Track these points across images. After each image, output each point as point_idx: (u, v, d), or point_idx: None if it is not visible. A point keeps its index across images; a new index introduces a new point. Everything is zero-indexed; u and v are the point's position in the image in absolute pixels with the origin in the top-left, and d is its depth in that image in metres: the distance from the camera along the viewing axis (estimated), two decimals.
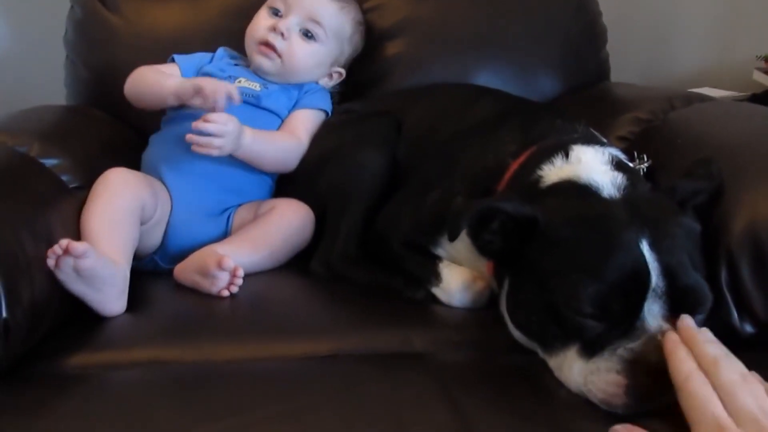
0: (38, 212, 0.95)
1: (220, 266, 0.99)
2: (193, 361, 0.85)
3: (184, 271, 1.05)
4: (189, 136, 1.10)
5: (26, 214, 0.92)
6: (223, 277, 1.00)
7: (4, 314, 0.79)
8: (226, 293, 1.00)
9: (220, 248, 1.05)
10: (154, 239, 1.14)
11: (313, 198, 1.16)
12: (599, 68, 1.51)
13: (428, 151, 1.12)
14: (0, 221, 0.86)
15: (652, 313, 0.75)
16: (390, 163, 1.15)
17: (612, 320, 0.75)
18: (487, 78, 1.40)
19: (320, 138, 1.24)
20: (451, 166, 1.04)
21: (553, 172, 0.89)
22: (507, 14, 1.45)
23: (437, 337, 0.89)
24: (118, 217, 1.04)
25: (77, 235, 1.01)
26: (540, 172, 0.89)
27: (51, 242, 0.91)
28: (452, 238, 0.83)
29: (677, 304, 0.75)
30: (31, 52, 1.68)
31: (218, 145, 1.10)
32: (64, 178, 1.07)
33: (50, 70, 1.54)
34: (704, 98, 1.20)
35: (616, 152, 0.94)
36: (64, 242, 0.89)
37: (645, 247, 0.75)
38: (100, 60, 1.42)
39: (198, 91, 1.13)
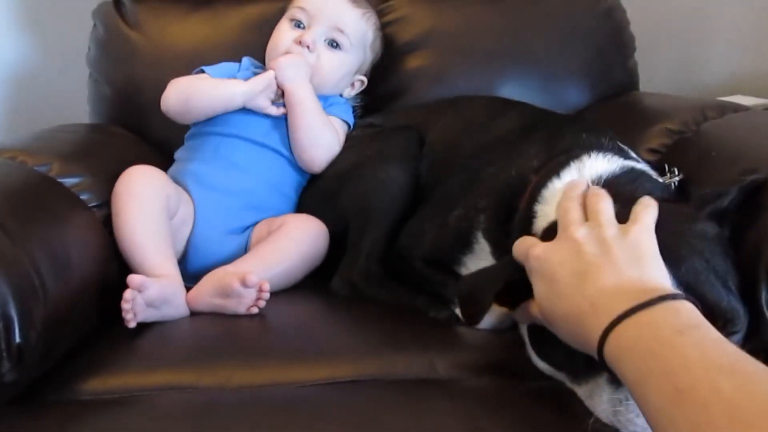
0: (55, 232, 0.94)
1: (244, 284, 0.96)
2: (210, 387, 0.82)
3: (199, 296, 1.02)
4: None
5: (42, 235, 0.91)
6: (249, 295, 0.98)
7: (18, 339, 0.78)
8: (255, 310, 0.98)
9: (232, 269, 1.03)
10: (177, 246, 1.12)
11: (333, 214, 1.14)
12: (627, 78, 1.46)
13: (451, 167, 1.09)
14: (14, 243, 0.84)
15: None
16: (412, 178, 1.12)
17: None
18: (511, 90, 1.37)
19: (341, 153, 1.21)
20: (475, 182, 1.00)
21: (552, 193, 0.85)
22: (532, 24, 1.42)
23: (461, 361, 0.85)
24: (154, 227, 1.04)
25: (96, 253, 1.00)
26: (543, 194, 0.86)
27: (67, 263, 0.91)
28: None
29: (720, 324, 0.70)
30: (56, 70, 1.69)
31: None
32: (84, 197, 1.06)
33: (74, 88, 1.55)
34: (738, 108, 1.16)
35: (639, 165, 0.90)
36: (133, 282, 0.92)
37: None
38: (122, 77, 1.42)
39: (270, 83, 1.18)
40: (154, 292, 0.95)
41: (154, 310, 0.96)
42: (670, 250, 0.71)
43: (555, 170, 0.87)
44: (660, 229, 0.73)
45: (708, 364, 0.54)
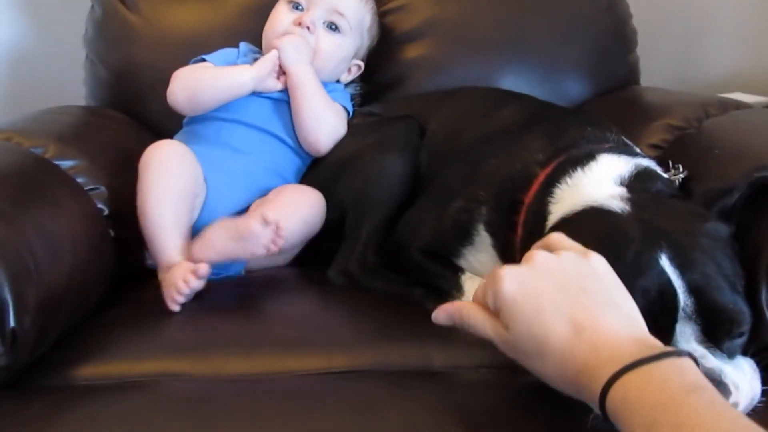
0: (49, 215, 0.93)
1: (265, 220, 0.95)
2: (203, 375, 0.82)
3: (209, 244, 0.98)
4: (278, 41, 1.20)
5: (37, 218, 0.90)
6: (266, 234, 0.96)
7: (12, 323, 0.77)
8: (273, 248, 0.96)
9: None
10: None
11: (332, 202, 1.13)
12: (629, 72, 1.46)
13: (451, 157, 1.08)
14: (8, 224, 0.83)
15: (684, 335, 0.70)
16: (412, 168, 1.12)
17: None
18: (512, 81, 1.36)
19: (341, 141, 1.20)
20: (475, 173, 1.00)
21: (570, 189, 0.85)
22: (533, 15, 1.41)
23: (458, 354, 0.84)
24: (182, 208, 1.05)
25: (92, 237, 1.00)
26: (558, 190, 0.85)
27: (62, 246, 0.90)
28: None
29: (711, 324, 0.70)
30: (52, 51, 1.67)
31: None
32: (80, 180, 1.05)
33: (70, 69, 1.53)
34: (740, 105, 1.15)
35: (647, 162, 0.89)
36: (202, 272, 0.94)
37: (666, 265, 0.70)
38: (119, 60, 1.41)
39: (275, 64, 1.18)
40: (202, 284, 0.96)
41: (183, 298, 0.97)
42: (684, 253, 0.71)
43: (568, 168, 0.87)
44: (674, 228, 0.73)
45: (722, 426, 0.54)
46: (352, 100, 1.34)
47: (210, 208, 1.12)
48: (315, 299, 1.04)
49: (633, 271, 0.70)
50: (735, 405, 0.69)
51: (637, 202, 0.78)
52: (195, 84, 1.18)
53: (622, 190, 0.81)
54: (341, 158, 1.16)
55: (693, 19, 1.81)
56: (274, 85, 1.20)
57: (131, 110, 1.37)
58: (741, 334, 0.72)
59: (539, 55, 1.39)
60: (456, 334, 0.90)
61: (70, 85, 1.52)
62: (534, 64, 1.39)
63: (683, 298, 0.69)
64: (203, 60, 1.24)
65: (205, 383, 0.81)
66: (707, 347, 0.70)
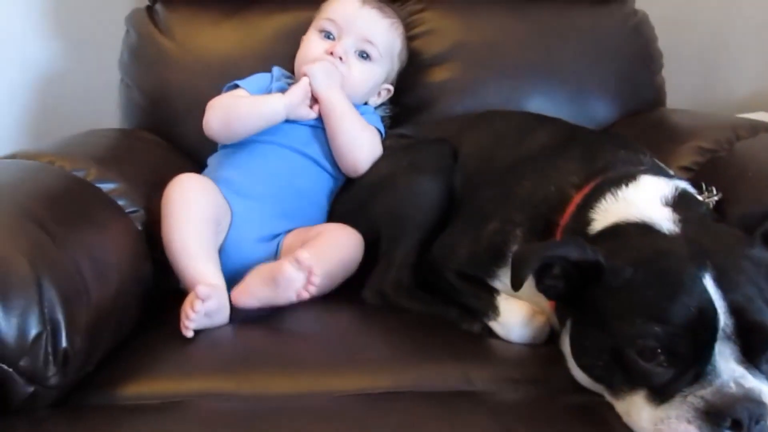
0: (96, 237, 0.96)
1: (297, 261, 0.96)
2: (246, 394, 0.84)
3: (246, 291, 1.01)
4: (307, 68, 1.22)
5: (84, 240, 0.92)
6: (300, 279, 0.97)
7: (64, 343, 0.79)
8: (306, 295, 0.98)
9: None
10: None
11: (366, 224, 1.14)
12: (655, 94, 1.47)
13: (485, 180, 1.10)
14: (60, 247, 0.86)
15: (723, 355, 0.71)
16: (446, 191, 1.13)
17: (680, 365, 0.72)
18: (539, 103, 1.37)
19: (374, 163, 1.22)
20: (510, 195, 1.01)
21: (612, 208, 0.87)
22: (560, 39, 1.43)
23: (496, 374, 0.86)
24: (206, 235, 1.07)
25: (134, 258, 1.02)
26: (599, 210, 0.87)
27: (108, 267, 0.92)
28: (517, 287, 0.81)
29: (750, 345, 0.71)
30: (86, 74, 1.70)
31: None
32: (120, 202, 1.08)
33: (104, 92, 1.56)
34: None
35: (684, 184, 0.91)
36: (201, 292, 0.95)
37: (709, 284, 0.72)
38: (154, 83, 1.44)
39: (307, 91, 1.20)
40: (214, 302, 0.97)
41: (207, 319, 0.98)
42: (728, 275, 0.73)
43: (609, 188, 0.89)
44: (719, 250, 0.75)
45: None
46: (381, 122, 1.36)
47: (236, 232, 1.15)
48: (352, 319, 1.05)
49: (676, 288, 0.72)
50: None
51: (685, 223, 0.80)
52: (229, 114, 1.21)
53: (669, 210, 0.83)
54: (375, 180, 1.18)
55: (716, 40, 1.81)
56: (307, 113, 1.22)
57: (165, 133, 1.40)
58: None
59: (566, 78, 1.40)
60: (494, 354, 0.93)
61: (103, 107, 1.55)
62: (561, 86, 1.40)
63: (724, 318, 0.71)
64: (236, 86, 1.26)
65: (248, 402, 0.83)
66: (746, 367, 0.71)
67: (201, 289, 0.96)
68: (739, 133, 1.11)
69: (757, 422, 0.68)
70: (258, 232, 1.16)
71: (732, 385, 0.70)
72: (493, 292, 0.98)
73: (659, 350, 0.71)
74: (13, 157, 1.09)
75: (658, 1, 1.58)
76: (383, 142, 1.27)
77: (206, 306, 0.96)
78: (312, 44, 1.29)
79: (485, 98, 1.38)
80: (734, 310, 0.71)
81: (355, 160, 1.21)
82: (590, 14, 1.45)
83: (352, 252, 1.12)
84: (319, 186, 1.23)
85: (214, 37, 1.44)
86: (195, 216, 1.07)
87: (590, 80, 1.41)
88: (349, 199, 1.21)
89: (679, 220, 0.81)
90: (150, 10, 1.49)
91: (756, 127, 1.13)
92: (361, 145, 1.21)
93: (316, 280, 0.98)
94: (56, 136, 1.27)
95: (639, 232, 0.81)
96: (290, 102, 1.20)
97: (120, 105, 1.49)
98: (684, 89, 1.67)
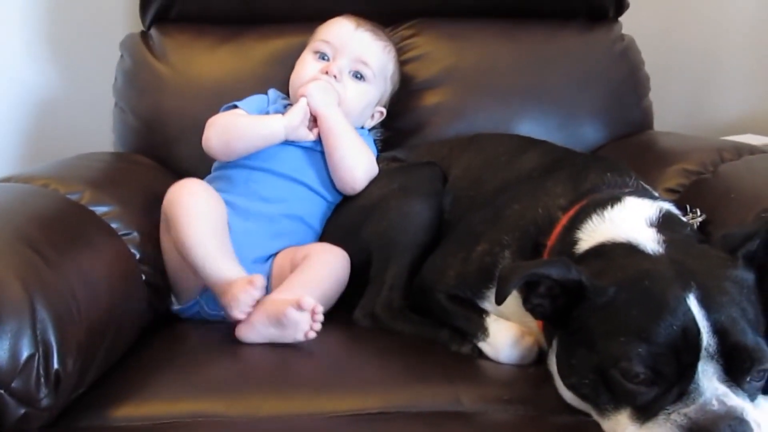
0: (89, 260, 0.96)
1: (300, 306, 0.97)
2: (238, 416, 0.84)
3: (252, 328, 1.01)
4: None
5: (78, 263, 0.93)
6: (304, 319, 0.98)
7: (56, 365, 0.80)
8: (312, 335, 0.99)
9: (278, 296, 1.04)
10: None
11: (357, 247, 1.16)
12: (642, 117, 1.50)
13: (474, 202, 1.12)
14: (53, 270, 0.86)
15: (707, 374, 0.72)
16: (436, 213, 1.15)
17: (664, 383, 0.73)
18: (529, 127, 1.40)
19: (365, 187, 1.23)
20: (498, 218, 1.03)
21: (598, 229, 0.88)
22: (549, 63, 1.46)
23: (486, 394, 0.87)
24: (222, 234, 1.11)
25: (127, 281, 1.03)
26: (586, 230, 0.89)
27: (101, 289, 0.93)
28: (500, 302, 0.82)
29: (733, 364, 0.73)
30: (80, 98, 1.71)
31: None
32: (114, 225, 1.08)
33: (98, 116, 1.58)
34: (754, 150, 1.18)
35: (668, 206, 0.92)
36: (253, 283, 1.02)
37: (693, 304, 0.73)
38: (148, 108, 1.45)
39: (306, 112, 1.22)
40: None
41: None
42: (711, 295, 0.74)
43: (595, 209, 0.90)
44: (703, 271, 0.76)
45: None
46: (375, 145, 1.38)
47: (235, 252, 1.15)
48: (343, 341, 1.06)
49: (660, 307, 0.73)
50: None
51: (669, 244, 0.81)
52: (230, 131, 1.22)
53: (653, 232, 0.84)
54: (366, 203, 1.19)
55: (703, 63, 1.84)
56: (306, 134, 1.23)
57: (159, 156, 1.41)
58: (762, 374, 0.74)
59: (555, 101, 1.43)
60: (483, 375, 0.93)
61: (98, 131, 1.57)
62: (551, 110, 1.43)
63: (707, 338, 0.72)
64: (235, 106, 1.28)
65: (239, 424, 0.83)
66: (729, 386, 0.73)
67: (258, 280, 1.01)
68: (723, 156, 1.13)
69: None
70: (255, 252, 1.17)
71: (714, 402, 0.71)
72: (482, 314, 0.99)
73: (643, 370, 0.72)
74: (7, 180, 1.10)
75: (646, 25, 1.61)
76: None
77: (258, 294, 1.00)
78: (307, 65, 1.31)
79: (476, 122, 1.40)
80: (717, 330, 0.72)
81: (353, 177, 1.22)
82: (579, 39, 1.48)
83: (340, 271, 1.13)
84: (313, 211, 1.24)
85: (209, 61, 1.46)
86: (208, 213, 1.09)
87: (579, 104, 1.44)
88: (341, 222, 1.22)
89: (663, 241, 0.82)
90: (144, 35, 1.51)
91: (740, 150, 1.15)
92: (360, 162, 1.23)
93: (320, 318, 0.99)
94: (51, 160, 1.28)
95: (623, 252, 0.82)
96: (290, 123, 1.21)
97: (114, 129, 1.50)
98: (672, 111, 1.70)
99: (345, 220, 1.21)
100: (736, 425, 0.69)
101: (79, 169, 1.22)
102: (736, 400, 0.71)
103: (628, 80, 1.48)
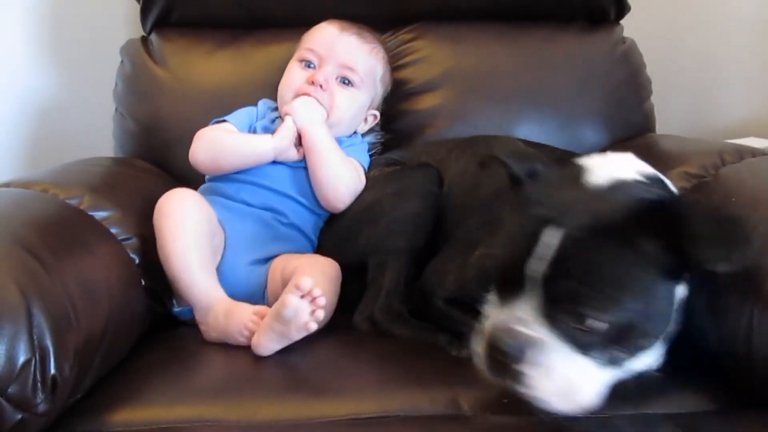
0: (87, 265, 0.96)
1: (298, 288, 0.95)
2: (236, 421, 0.84)
3: (261, 342, 0.98)
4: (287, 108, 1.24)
5: (75, 267, 0.93)
6: (304, 308, 0.95)
7: (53, 370, 0.79)
8: (314, 326, 0.97)
9: None
10: None
11: (354, 252, 1.16)
12: (644, 120, 1.49)
13: (472, 207, 1.11)
14: (50, 274, 0.86)
15: (526, 299, 0.76)
16: (432, 215, 1.14)
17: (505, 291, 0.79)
18: (530, 130, 1.39)
19: (360, 193, 1.23)
20: (497, 222, 1.02)
21: None
22: (549, 66, 1.45)
23: (484, 397, 0.86)
24: (205, 251, 1.09)
25: (126, 286, 1.03)
26: None
27: (99, 294, 0.93)
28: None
29: (554, 301, 0.75)
30: (80, 103, 1.72)
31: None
32: (113, 230, 1.08)
33: (98, 121, 1.58)
34: (755, 152, 1.17)
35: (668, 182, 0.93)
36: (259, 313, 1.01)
37: (546, 235, 0.75)
38: (148, 113, 1.45)
39: (294, 132, 1.21)
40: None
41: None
42: (577, 243, 0.77)
43: None
44: (588, 216, 0.79)
45: None
46: (372, 149, 1.38)
47: (232, 255, 1.16)
48: (342, 345, 1.05)
49: (519, 219, 0.80)
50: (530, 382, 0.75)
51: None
52: (216, 149, 1.22)
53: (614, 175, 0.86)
54: (362, 208, 1.19)
55: (705, 66, 1.84)
56: (294, 154, 1.23)
57: (159, 161, 1.42)
58: (581, 319, 0.75)
59: (556, 104, 1.42)
60: (481, 379, 0.93)
61: (98, 136, 1.57)
62: (551, 113, 1.42)
63: (535, 264, 0.75)
64: (224, 121, 1.27)
65: (238, 429, 0.83)
66: (549, 321, 0.75)
67: (263, 309, 1.01)
68: (724, 159, 1.12)
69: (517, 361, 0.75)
70: (252, 254, 1.17)
71: (507, 323, 0.76)
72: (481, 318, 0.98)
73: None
74: (7, 185, 1.10)
75: (648, 28, 1.61)
76: (369, 173, 1.28)
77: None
78: (293, 74, 1.30)
79: (476, 124, 1.40)
80: (552, 264, 0.74)
81: (335, 195, 1.21)
82: (579, 42, 1.48)
83: (334, 280, 1.12)
84: (303, 222, 1.23)
85: (208, 67, 1.47)
86: (191, 228, 1.08)
87: (580, 107, 1.43)
88: (336, 228, 1.22)
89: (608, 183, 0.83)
90: (144, 40, 1.51)
91: (741, 152, 1.14)
92: (342, 181, 1.21)
93: (321, 300, 0.96)
94: (51, 165, 1.28)
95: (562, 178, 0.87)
96: (278, 146, 1.21)
97: (114, 134, 1.50)
98: (674, 114, 1.69)
99: (341, 227, 1.21)
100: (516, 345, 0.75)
101: (78, 174, 1.22)
102: (531, 333, 0.75)
103: (630, 83, 1.48)
